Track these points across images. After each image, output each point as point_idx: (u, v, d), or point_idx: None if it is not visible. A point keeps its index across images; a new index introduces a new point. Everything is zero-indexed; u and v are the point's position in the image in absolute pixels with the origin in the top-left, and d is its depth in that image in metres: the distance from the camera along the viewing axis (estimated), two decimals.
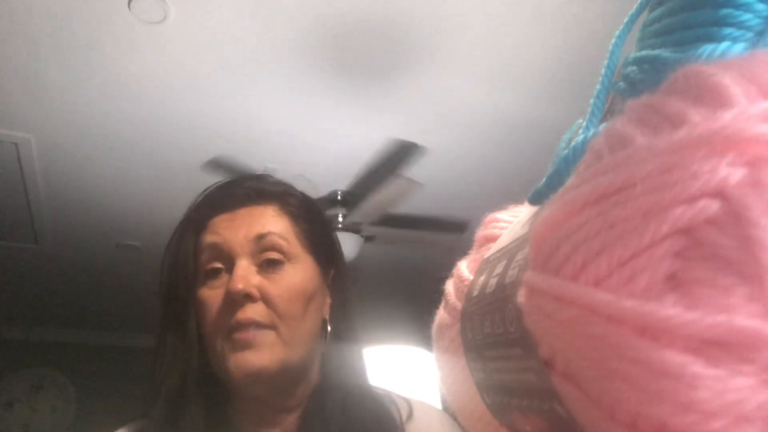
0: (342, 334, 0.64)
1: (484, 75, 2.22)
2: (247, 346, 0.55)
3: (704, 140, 0.15)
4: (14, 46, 2.03)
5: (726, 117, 0.15)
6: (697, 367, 0.14)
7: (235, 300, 0.56)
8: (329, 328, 0.63)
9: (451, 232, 2.75)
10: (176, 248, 0.61)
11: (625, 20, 0.26)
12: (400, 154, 2.33)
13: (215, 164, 2.44)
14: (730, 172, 0.15)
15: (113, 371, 4.70)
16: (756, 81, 0.16)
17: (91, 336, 4.85)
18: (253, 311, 0.56)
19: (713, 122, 0.16)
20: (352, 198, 2.65)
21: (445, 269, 0.34)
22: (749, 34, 0.19)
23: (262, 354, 0.55)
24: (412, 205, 2.84)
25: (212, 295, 0.57)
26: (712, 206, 0.15)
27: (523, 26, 2.00)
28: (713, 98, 0.17)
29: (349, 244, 2.73)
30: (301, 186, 0.69)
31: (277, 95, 2.32)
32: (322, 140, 2.61)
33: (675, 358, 0.14)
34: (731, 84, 0.16)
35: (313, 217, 0.65)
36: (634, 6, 0.25)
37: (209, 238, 0.59)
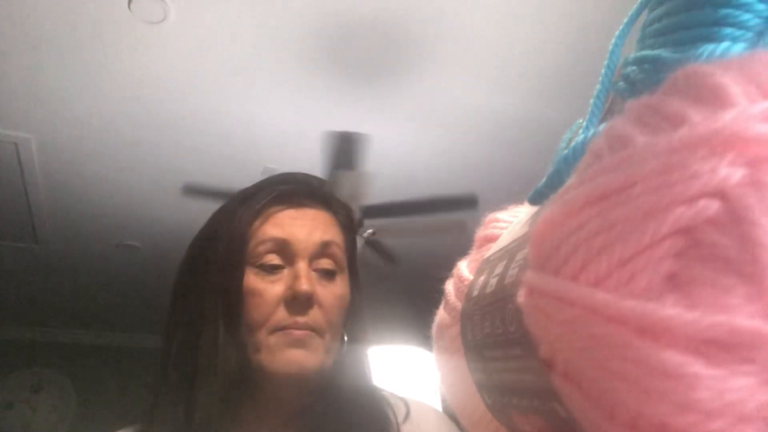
0: (355, 340, 0.64)
1: (484, 75, 2.22)
2: (300, 344, 0.55)
3: (704, 140, 0.15)
4: (14, 46, 2.03)
5: (726, 117, 0.15)
6: (697, 367, 0.14)
7: (298, 300, 0.56)
8: (346, 338, 0.63)
9: (462, 209, 2.63)
10: (234, 226, 0.59)
11: (625, 20, 0.26)
12: (346, 148, 2.23)
13: (191, 188, 2.43)
14: (730, 172, 0.15)
15: (113, 371, 4.70)
16: (756, 81, 0.16)
17: (91, 336, 4.85)
18: (313, 316, 0.57)
19: (713, 122, 0.16)
20: (371, 211, 2.59)
21: (445, 269, 0.34)
22: (749, 34, 0.19)
23: (311, 355, 0.56)
24: (412, 205, 2.83)
25: (269, 288, 0.57)
26: (712, 206, 0.15)
27: (523, 26, 2.00)
28: (713, 98, 0.17)
29: None
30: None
31: (277, 95, 2.32)
32: (322, 140, 2.61)
33: (675, 358, 0.14)
34: (731, 84, 0.16)
35: (353, 231, 0.67)
36: (634, 6, 0.25)
37: (273, 230, 0.58)
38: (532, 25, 1.99)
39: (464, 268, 0.31)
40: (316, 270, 0.59)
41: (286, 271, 0.58)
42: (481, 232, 0.33)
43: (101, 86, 2.23)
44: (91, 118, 2.41)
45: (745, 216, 0.15)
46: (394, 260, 3.04)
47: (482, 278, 0.27)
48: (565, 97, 2.28)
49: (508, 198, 0.36)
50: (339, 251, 0.61)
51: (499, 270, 0.26)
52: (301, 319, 0.56)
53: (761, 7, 0.19)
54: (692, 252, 0.15)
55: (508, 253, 0.26)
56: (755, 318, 0.14)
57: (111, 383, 4.62)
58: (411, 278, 3.85)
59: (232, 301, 0.56)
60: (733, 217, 0.15)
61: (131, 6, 1.87)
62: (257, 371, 0.56)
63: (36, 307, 4.37)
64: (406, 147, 2.66)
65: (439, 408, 0.78)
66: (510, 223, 0.31)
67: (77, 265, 3.72)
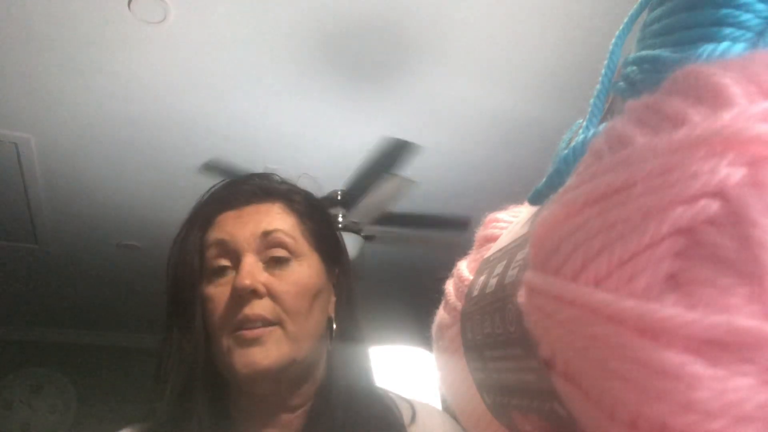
0: (347, 333, 0.64)
1: (484, 75, 2.22)
2: (253, 342, 0.55)
3: (704, 140, 0.15)
4: (14, 46, 2.03)
5: (726, 117, 0.15)
6: (697, 367, 0.14)
7: (242, 296, 0.56)
8: (335, 327, 0.63)
9: (453, 230, 2.72)
10: (182, 245, 0.61)
11: (625, 20, 0.26)
12: (394, 153, 2.32)
13: (212, 166, 2.44)
14: (730, 172, 0.15)
15: (113, 371, 4.70)
16: (756, 81, 0.16)
17: (91, 336, 4.85)
18: (260, 307, 0.56)
19: (713, 122, 0.16)
20: (350, 197, 2.65)
21: (445, 269, 0.34)
22: (749, 34, 0.19)
23: (269, 351, 0.55)
24: (412, 205, 2.84)
25: (218, 291, 0.57)
26: (712, 206, 0.15)
27: (523, 26, 2.00)
28: (713, 98, 0.17)
29: (349, 244, 2.73)
30: (305, 185, 0.69)
31: (277, 95, 2.32)
32: (322, 140, 2.61)
33: (675, 358, 0.14)
34: (731, 84, 0.16)
35: (319, 216, 0.65)
36: (634, 6, 0.25)
37: (216, 234, 0.59)
38: (532, 26, 1.99)
39: (464, 268, 0.31)
40: (267, 261, 0.59)
41: (233, 272, 0.58)
42: (481, 232, 0.33)
43: (101, 86, 2.23)
44: (91, 118, 2.41)
45: (745, 216, 0.15)
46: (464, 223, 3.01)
47: (482, 278, 0.27)
48: (565, 97, 2.28)
49: (508, 198, 0.36)
50: (287, 237, 0.60)
51: (499, 270, 0.26)
52: (249, 313, 0.55)
53: (761, 7, 0.19)
54: (692, 252, 0.15)
55: (508, 253, 0.26)
56: (755, 318, 0.14)
57: (111, 383, 4.62)
58: (411, 278, 3.85)
59: (194, 311, 0.57)
60: (733, 217, 0.15)
61: (131, 6, 1.87)
62: (230, 374, 0.57)
63: (36, 307, 4.36)
64: None
65: (438, 406, 0.78)
66: (510, 223, 0.31)
67: (77, 264, 3.72)
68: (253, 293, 0.56)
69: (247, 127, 2.50)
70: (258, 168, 2.93)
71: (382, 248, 3.21)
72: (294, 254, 0.60)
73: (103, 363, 4.75)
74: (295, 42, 2.06)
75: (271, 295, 0.57)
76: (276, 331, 0.56)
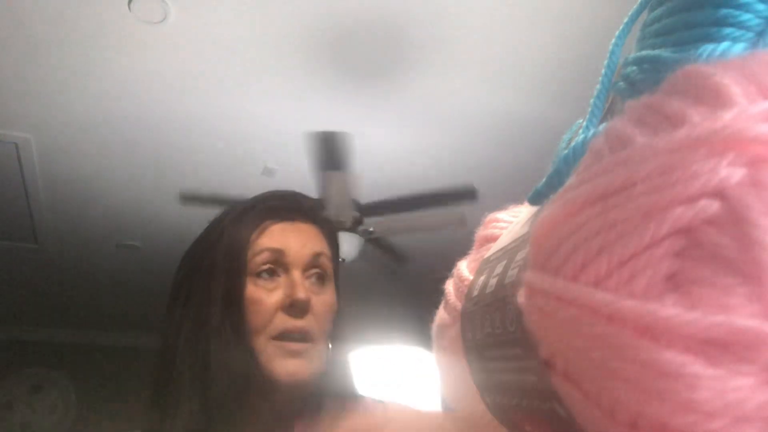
0: (338, 346, 0.67)
1: (485, 75, 2.22)
2: (297, 355, 0.59)
3: (704, 140, 0.15)
4: (14, 46, 2.03)
5: (726, 117, 0.15)
6: (697, 367, 0.14)
7: (295, 307, 0.59)
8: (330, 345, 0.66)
9: (461, 201, 2.64)
10: (232, 237, 0.62)
11: (625, 20, 0.26)
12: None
13: (188, 197, 2.45)
14: (730, 172, 0.15)
15: (113, 371, 4.69)
16: (756, 81, 0.16)
17: (91, 336, 4.85)
18: (308, 323, 0.60)
19: (713, 122, 0.16)
20: (369, 209, 2.63)
21: (445, 269, 0.34)
22: (749, 34, 0.19)
23: (309, 364, 0.60)
24: (410, 201, 2.83)
25: (265, 296, 0.60)
26: (712, 206, 0.15)
27: (524, 27, 2.00)
28: (713, 98, 0.17)
29: (349, 244, 2.72)
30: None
31: (277, 95, 2.32)
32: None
33: (675, 358, 0.14)
34: (731, 84, 0.16)
35: (336, 243, 0.70)
36: (634, 6, 0.25)
37: (269, 242, 0.62)
38: (532, 26, 1.99)
39: (464, 268, 0.31)
40: (308, 279, 0.63)
41: (282, 280, 0.62)
42: (481, 232, 0.33)
43: (101, 86, 2.23)
44: (91, 118, 2.41)
45: (745, 216, 0.15)
46: (401, 259, 3.05)
47: (482, 278, 0.27)
48: (565, 97, 2.28)
49: (508, 198, 0.36)
50: (327, 261, 0.65)
51: (499, 270, 0.26)
52: (299, 323, 0.59)
53: (761, 7, 0.19)
54: (692, 252, 0.15)
55: (508, 253, 0.26)
56: (755, 318, 0.14)
57: (111, 383, 4.62)
58: (411, 278, 3.85)
59: (235, 308, 0.59)
60: (733, 217, 0.15)
61: (131, 6, 1.87)
62: (258, 374, 0.59)
63: (36, 307, 4.37)
64: (405, 147, 2.66)
65: (439, 408, 0.78)
66: (510, 223, 0.31)
67: (77, 265, 3.72)
68: (306, 307, 0.60)
69: (247, 126, 2.50)
70: (258, 168, 2.93)
71: (381, 248, 3.21)
72: (328, 277, 0.65)
73: (103, 363, 4.75)
74: (295, 42, 2.06)
75: (314, 312, 0.61)
76: (312, 347, 0.60)
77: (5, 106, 2.33)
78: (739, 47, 0.19)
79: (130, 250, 3.56)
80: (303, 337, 0.59)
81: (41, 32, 1.97)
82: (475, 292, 0.27)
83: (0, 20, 1.91)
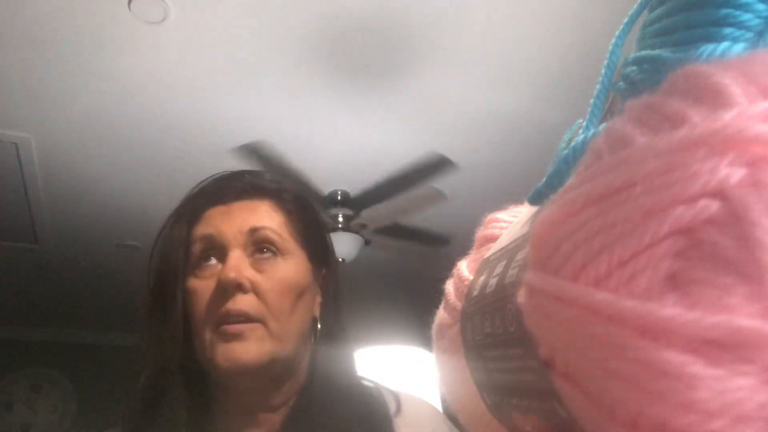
0: (332, 333, 0.64)
1: (485, 75, 2.22)
2: (235, 338, 0.55)
3: (704, 140, 0.15)
4: (14, 46, 2.03)
5: (726, 117, 0.15)
6: (697, 367, 0.14)
7: (227, 290, 0.55)
8: (319, 327, 0.63)
9: (434, 245, 2.76)
10: (167, 238, 0.61)
11: (625, 20, 0.26)
12: (431, 167, 2.33)
13: (248, 150, 2.44)
14: (730, 172, 0.15)
15: (113, 371, 4.68)
16: (756, 81, 0.16)
17: (91, 336, 4.84)
18: (244, 303, 0.55)
19: (713, 122, 0.16)
20: (363, 200, 2.65)
21: (445, 269, 0.34)
22: (749, 34, 0.19)
23: (250, 346, 0.55)
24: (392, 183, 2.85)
25: (202, 285, 0.57)
26: (712, 206, 0.15)
27: (524, 27, 2.00)
28: (713, 98, 0.17)
29: (348, 245, 2.73)
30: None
31: (277, 95, 2.32)
32: (322, 140, 2.61)
33: (675, 358, 0.14)
34: (731, 84, 0.16)
35: (308, 215, 0.65)
36: (634, 6, 0.25)
37: (203, 229, 0.59)
38: (532, 26, 1.99)
39: (464, 268, 0.31)
40: (253, 258, 0.59)
41: (219, 267, 0.58)
42: (481, 232, 0.33)
43: (101, 86, 2.23)
44: (91, 118, 2.40)
45: (745, 216, 0.15)
46: (440, 241, 3.05)
47: (482, 278, 0.27)
48: (565, 97, 2.28)
49: (508, 198, 0.36)
50: (274, 235, 0.60)
51: (499, 270, 0.26)
52: (233, 308, 0.55)
53: (761, 7, 0.19)
54: (692, 252, 0.15)
55: (508, 253, 0.26)
56: (755, 318, 0.14)
57: (111, 383, 4.61)
58: (411, 278, 3.84)
59: (176, 306, 0.57)
60: (733, 217, 0.15)
61: (131, 6, 1.87)
62: (211, 369, 0.57)
63: (36, 307, 4.36)
64: (406, 146, 2.66)
65: (438, 406, 0.78)
66: (510, 223, 0.31)
67: (77, 265, 3.72)
68: (238, 288, 0.56)
69: (247, 127, 2.50)
70: (258, 168, 2.93)
71: (382, 248, 3.21)
72: (280, 252, 0.60)
73: (103, 363, 4.75)
74: (295, 42, 2.06)
75: (256, 291, 0.57)
76: (258, 328, 0.56)
77: (5, 106, 2.32)
78: (739, 47, 0.19)
79: (130, 250, 3.56)
80: (243, 318, 0.55)
81: (41, 32, 1.97)
82: (475, 292, 0.27)
83: (0, 20, 1.91)
